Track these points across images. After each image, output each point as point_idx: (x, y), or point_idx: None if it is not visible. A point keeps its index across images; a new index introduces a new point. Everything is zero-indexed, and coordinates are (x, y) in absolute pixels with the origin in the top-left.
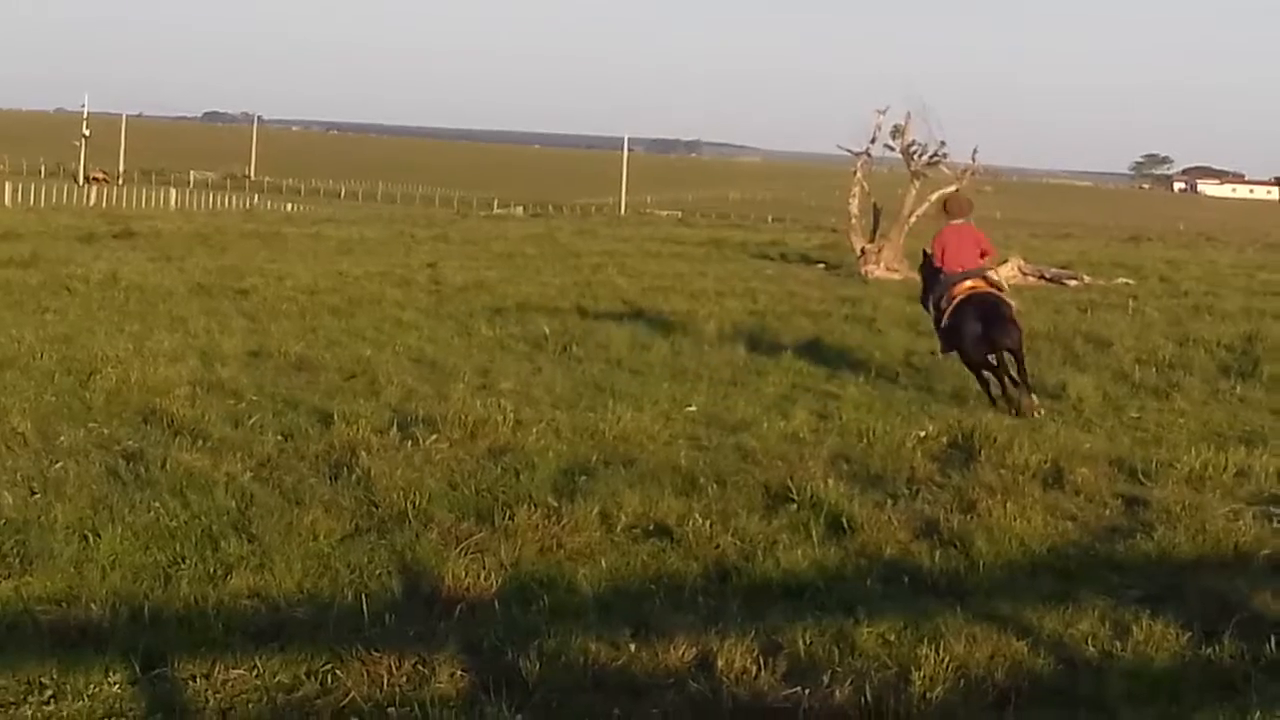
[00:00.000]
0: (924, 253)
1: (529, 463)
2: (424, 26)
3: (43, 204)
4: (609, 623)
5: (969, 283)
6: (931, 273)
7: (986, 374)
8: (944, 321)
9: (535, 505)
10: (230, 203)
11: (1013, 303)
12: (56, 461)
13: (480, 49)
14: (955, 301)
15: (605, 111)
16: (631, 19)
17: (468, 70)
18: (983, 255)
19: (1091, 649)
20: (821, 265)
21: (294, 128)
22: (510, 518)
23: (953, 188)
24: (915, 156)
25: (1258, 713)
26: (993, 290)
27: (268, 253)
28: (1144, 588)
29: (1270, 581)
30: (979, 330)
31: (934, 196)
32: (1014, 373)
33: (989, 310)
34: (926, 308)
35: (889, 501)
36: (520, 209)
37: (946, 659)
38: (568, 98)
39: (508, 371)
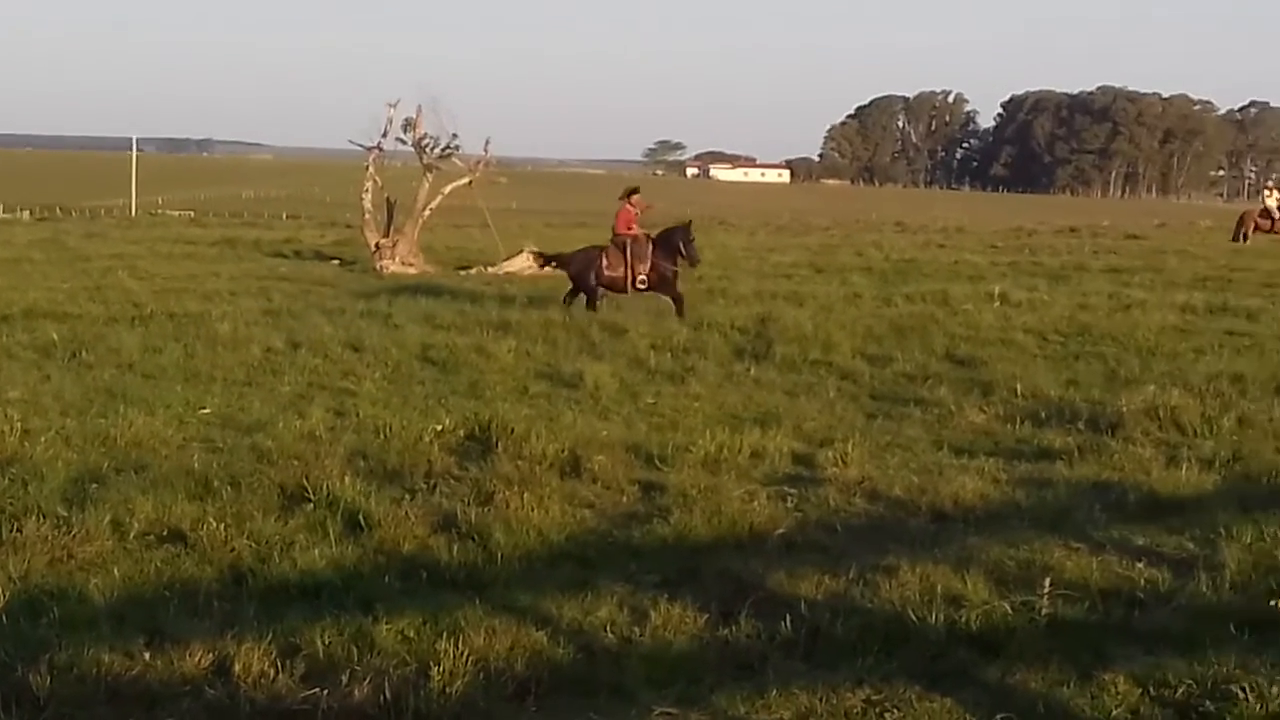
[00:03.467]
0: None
1: (37, 473)
2: None
3: None
4: (122, 632)
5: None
6: None
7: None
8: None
9: (44, 516)
10: None
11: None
12: None
13: None
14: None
15: (112, 111)
16: (134, 16)
17: None
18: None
19: (610, 635)
20: (337, 261)
21: None
22: (18, 530)
23: (465, 179)
24: (428, 150)
25: (774, 690)
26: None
27: None
28: (662, 572)
29: (785, 561)
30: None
31: (447, 188)
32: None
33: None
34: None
35: (407, 497)
36: (26, 213)
37: (466, 652)
38: (70, 98)
39: (15, 380)
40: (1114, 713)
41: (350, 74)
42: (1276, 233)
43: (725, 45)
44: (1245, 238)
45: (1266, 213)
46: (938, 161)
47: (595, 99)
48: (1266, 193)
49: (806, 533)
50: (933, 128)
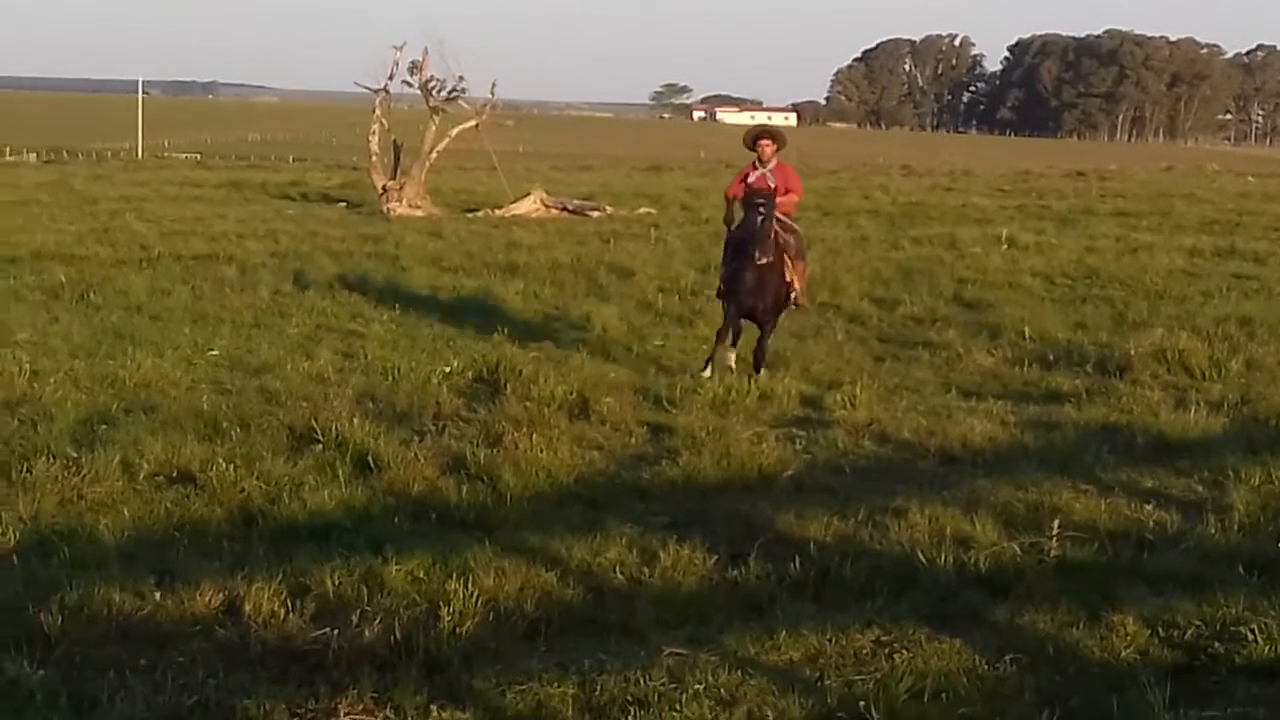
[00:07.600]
0: None
1: (47, 414)
2: None
3: None
4: (133, 572)
5: None
6: None
7: None
8: None
9: (54, 457)
10: None
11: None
12: None
13: None
14: None
15: (116, 54)
16: None
17: None
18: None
19: (620, 576)
20: (343, 204)
21: None
22: (28, 471)
23: (472, 122)
24: (434, 92)
25: (783, 631)
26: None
27: None
28: (671, 513)
29: (793, 502)
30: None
31: (454, 131)
32: None
33: None
34: None
35: (415, 438)
36: (33, 156)
37: (476, 593)
38: (75, 40)
39: (23, 322)
40: (1123, 654)
41: (356, 16)
42: None
43: None
44: None
45: None
46: (944, 105)
47: (602, 42)
48: None
49: (815, 475)
50: (939, 71)
